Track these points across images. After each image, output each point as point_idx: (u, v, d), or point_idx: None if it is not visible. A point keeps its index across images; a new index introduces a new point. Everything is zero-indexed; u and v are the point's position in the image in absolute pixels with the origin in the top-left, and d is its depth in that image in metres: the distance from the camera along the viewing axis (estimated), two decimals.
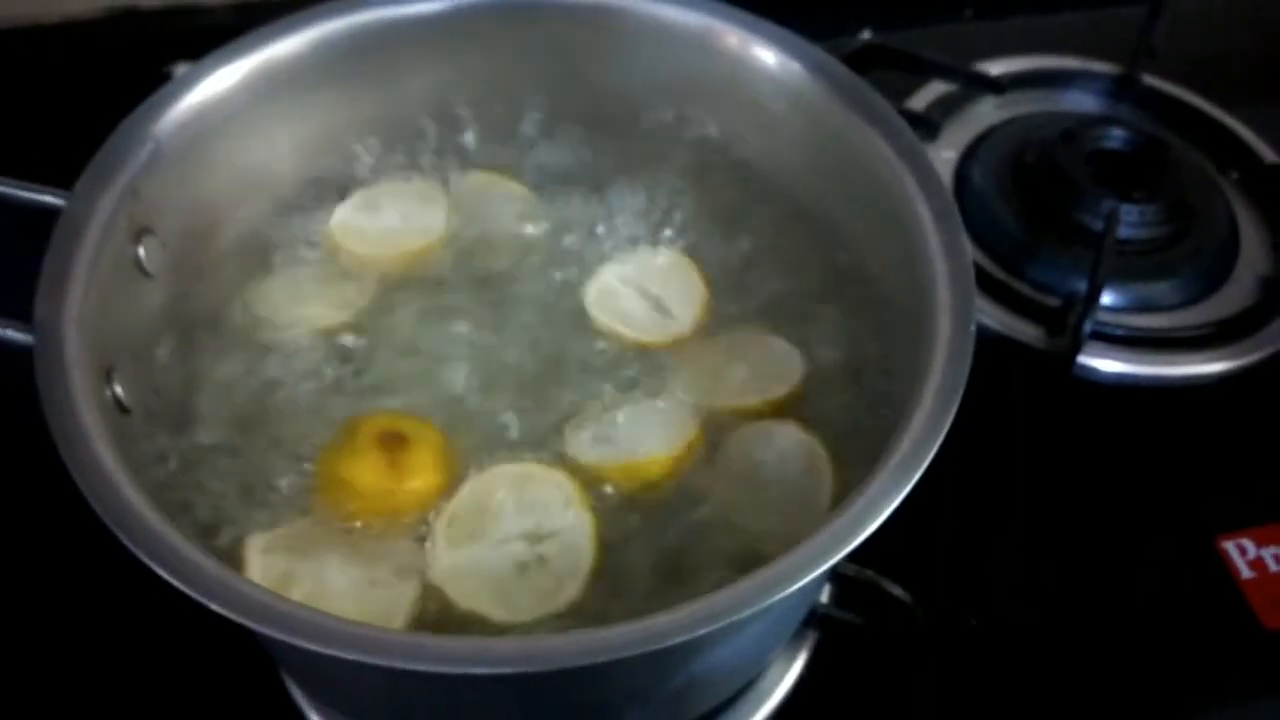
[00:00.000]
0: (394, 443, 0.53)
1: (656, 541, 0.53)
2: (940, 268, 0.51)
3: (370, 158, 0.67)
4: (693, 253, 0.64)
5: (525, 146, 0.68)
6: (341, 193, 0.65)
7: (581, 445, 0.55)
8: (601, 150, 0.68)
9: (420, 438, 0.54)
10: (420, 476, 0.53)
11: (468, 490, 0.54)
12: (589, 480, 0.54)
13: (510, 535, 0.52)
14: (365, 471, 0.53)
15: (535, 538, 0.52)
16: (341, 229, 0.63)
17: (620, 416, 0.56)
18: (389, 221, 0.64)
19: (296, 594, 0.49)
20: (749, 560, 0.46)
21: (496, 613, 0.50)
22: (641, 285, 0.62)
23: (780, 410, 0.57)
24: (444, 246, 0.64)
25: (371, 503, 0.53)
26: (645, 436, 0.55)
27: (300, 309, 0.60)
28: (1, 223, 0.53)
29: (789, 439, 0.56)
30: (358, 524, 0.53)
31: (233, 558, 0.51)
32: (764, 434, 0.56)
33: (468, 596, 0.50)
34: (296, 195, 0.65)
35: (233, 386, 0.58)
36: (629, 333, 0.60)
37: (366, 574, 0.51)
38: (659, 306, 0.61)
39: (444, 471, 0.54)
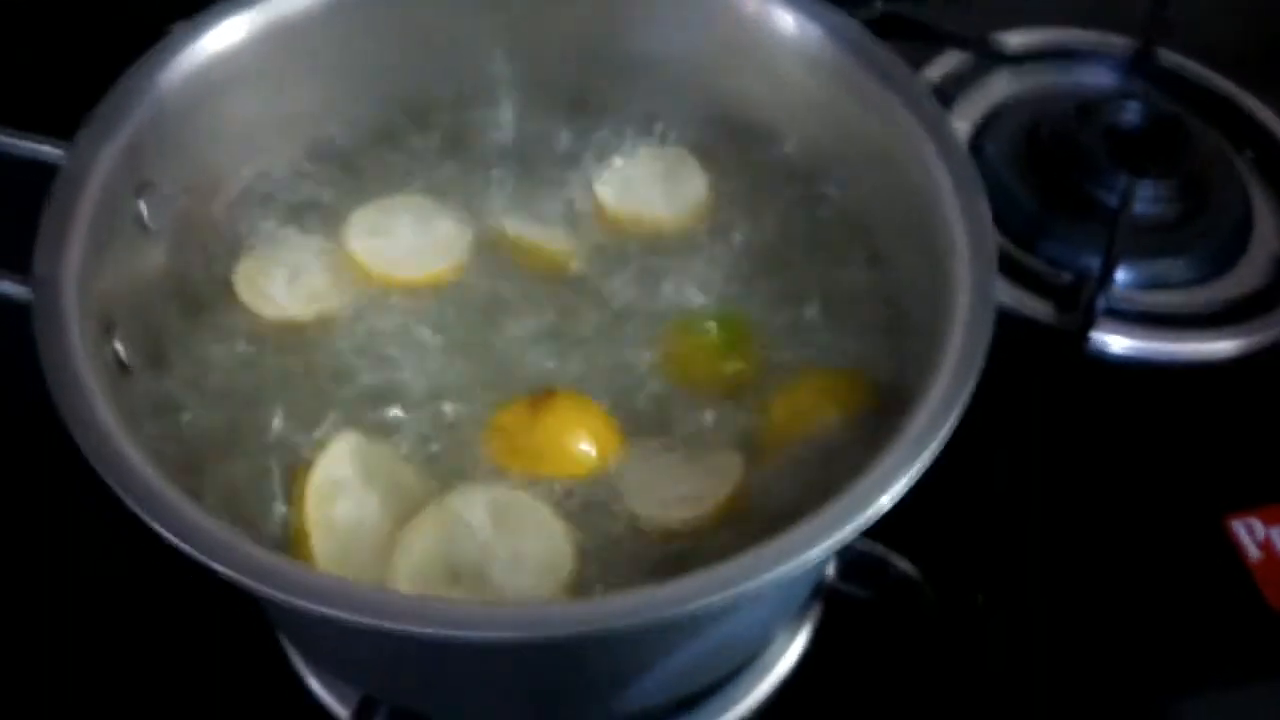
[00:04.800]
0: (541, 395, 0.54)
1: None
2: (959, 238, 0.50)
3: (384, 125, 0.66)
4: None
5: (539, 110, 0.67)
6: (346, 159, 0.64)
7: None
8: (615, 114, 0.67)
9: (573, 401, 0.54)
10: (564, 433, 0.53)
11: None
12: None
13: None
14: (508, 414, 0.54)
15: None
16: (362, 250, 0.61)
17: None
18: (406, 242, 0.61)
19: (336, 506, 0.50)
20: None
21: None
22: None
23: None
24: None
25: (513, 445, 0.54)
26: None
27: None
28: (0, 175, 0.52)
29: None
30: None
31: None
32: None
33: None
34: (303, 154, 0.64)
35: (232, 352, 0.57)
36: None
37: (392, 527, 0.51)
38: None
39: (591, 438, 0.54)
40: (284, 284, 0.59)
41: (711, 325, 0.59)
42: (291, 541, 0.51)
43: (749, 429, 0.56)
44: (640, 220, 0.63)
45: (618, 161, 0.65)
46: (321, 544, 0.50)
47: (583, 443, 0.54)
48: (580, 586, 0.49)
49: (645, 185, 0.64)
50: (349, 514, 0.51)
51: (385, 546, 0.50)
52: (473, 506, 0.51)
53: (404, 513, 0.51)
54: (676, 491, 0.53)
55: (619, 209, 0.63)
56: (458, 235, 0.62)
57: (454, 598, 0.47)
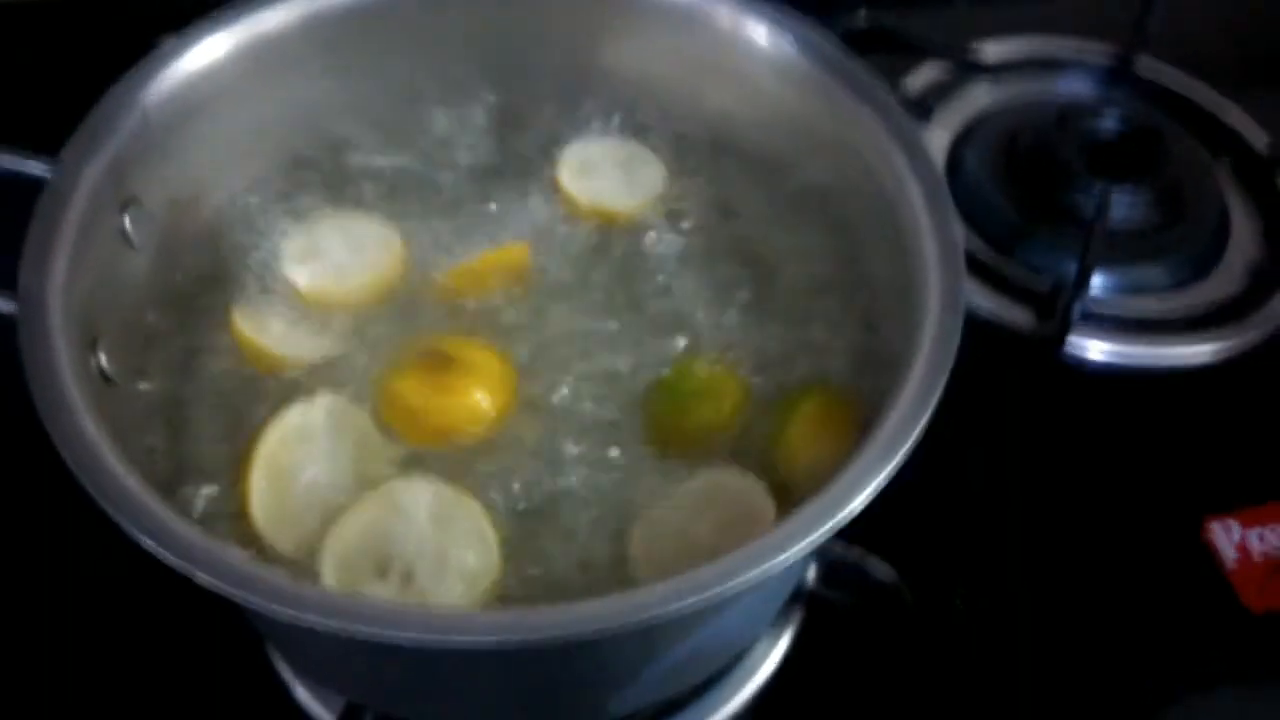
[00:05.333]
0: (436, 360, 0.54)
1: None
2: (929, 247, 0.51)
3: (361, 138, 0.66)
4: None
5: (516, 126, 0.68)
6: (329, 175, 0.65)
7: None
8: (588, 128, 0.67)
9: (468, 361, 0.55)
10: (455, 396, 0.54)
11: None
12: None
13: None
14: (406, 384, 0.54)
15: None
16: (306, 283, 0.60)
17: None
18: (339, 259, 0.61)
19: (293, 453, 0.52)
20: None
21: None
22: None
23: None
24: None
25: (416, 418, 0.54)
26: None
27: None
28: None
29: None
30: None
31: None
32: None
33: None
34: (286, 169, 0.64)
35: (216, 368, 0.58)
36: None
37: (342, 486, 0.52)
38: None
39: (491, 397, 0.54)
40: (281, 326, 0.59)
41: (692, 393, 0.57)
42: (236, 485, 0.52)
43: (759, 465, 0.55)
44: (599, 208, 0.64)
45: (580, 149, 0.66)
46: (259, 484, 0.51)
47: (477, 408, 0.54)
48: (501, 601, 0.50)
49: (604, 173, 0.65)
50: (302, 463, 0.52)
51: (330, 508, 0.51)
52: (416, 502, 0.51)
53: (360, 481, 0.52)
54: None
55: (578, 195, 0.64)
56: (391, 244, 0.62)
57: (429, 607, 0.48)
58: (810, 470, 0.52)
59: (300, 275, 0.60)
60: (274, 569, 0.42)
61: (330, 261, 0.61)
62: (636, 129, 0.67)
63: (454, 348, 0.56)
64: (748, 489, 0.54)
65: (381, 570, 0.50)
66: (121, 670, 0.61)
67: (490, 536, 0.51)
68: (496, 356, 0.57)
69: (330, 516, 0.51)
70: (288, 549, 0.51)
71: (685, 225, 0.64)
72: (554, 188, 0.65)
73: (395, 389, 0.55)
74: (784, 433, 0.55)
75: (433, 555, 0.50)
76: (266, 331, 0.58)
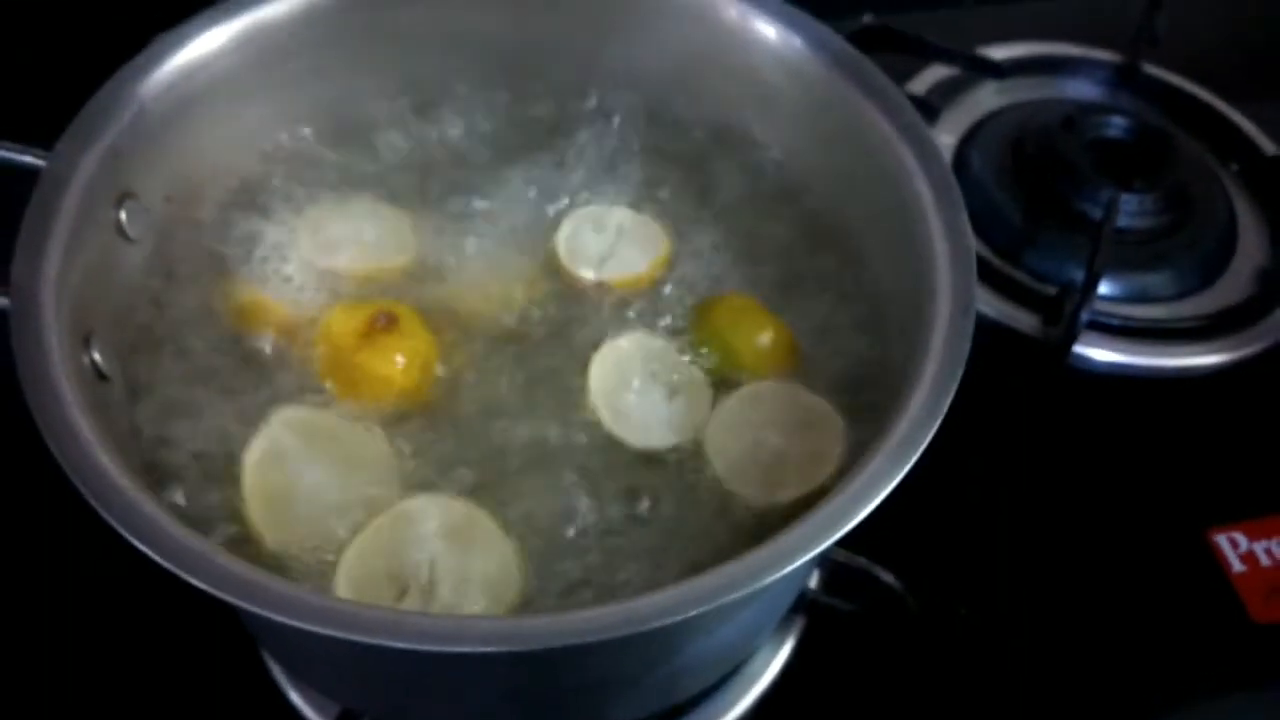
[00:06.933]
0: (383, 320, 0.55)
1: None
2: (940, 248, 0.50)
3: (358, 130, 0.65)
4: (684, 228, 0.63)
5: (517, 120, 0.67)
6: (326, 166, 0.64)
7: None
8: (595, 123, 0.66)
9: (409, 333, 0.55)
10: (383, 362, 0.54)
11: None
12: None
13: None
14: (342, 330, 0.55)
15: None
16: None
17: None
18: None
19: (276, 474, 0.51)
20: None
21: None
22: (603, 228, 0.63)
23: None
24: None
25: (339, 365, 0.55)
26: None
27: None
28: None
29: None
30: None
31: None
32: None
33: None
34: (283, 164, 0.63)
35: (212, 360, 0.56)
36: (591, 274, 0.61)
37: (340, 499, 0.51)
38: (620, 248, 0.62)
39: (411, 371, 0.55)
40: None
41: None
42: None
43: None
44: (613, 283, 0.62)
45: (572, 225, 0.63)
46: (259, 513, 0.50)
47: (399, 369, 0.55)
48: (526, 608, 0.49)
49: (606, 246, 0.62)
50: (289, 480, 0.51)
51: (336, 508, 0.51)
52: (426, 520, 0.50)
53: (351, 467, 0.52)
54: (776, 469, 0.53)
55: (589, 277, 0.61)
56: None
57: (428, 613, 0.47)
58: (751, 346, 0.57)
59: (321, 258, 0.60)
60: (267, 573, 0.41)
61: (346, 242, 0.61)
62: (653, 138, 0.66)
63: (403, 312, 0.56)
64: (800, 396, 0.55)
65: (401, 592, 0.49)
66: (116, 672, 0.60)
67: (508, 548, 0.50)
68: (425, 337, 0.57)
69: (339, 516, 0.51)
70: (305, 556, 0.50)
71: (682, 227, 0.63)
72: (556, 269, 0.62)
73: (332, 332, 0.56)
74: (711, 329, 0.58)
75: (452, 572, 0.49)
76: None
